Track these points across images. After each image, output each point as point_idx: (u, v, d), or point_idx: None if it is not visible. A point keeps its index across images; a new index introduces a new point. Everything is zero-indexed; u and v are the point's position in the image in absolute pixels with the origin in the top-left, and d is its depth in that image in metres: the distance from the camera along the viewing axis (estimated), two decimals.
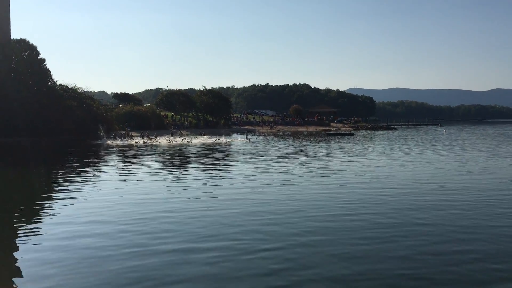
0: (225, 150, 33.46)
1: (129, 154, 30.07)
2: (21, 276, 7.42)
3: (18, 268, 7.77)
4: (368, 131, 79.52)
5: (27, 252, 8.64)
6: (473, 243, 9.20)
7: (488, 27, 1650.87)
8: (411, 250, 8.71)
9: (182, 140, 43.73)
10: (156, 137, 45.30)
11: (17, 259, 8.20)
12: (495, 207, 12.67)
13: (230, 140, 45.39)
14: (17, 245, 9.15)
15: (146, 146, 37.44)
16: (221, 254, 8.33)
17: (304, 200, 13.43)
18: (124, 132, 49.85)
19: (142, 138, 45.11)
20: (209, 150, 33.57)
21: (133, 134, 51.28)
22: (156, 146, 37.67)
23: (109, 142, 41.60)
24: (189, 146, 37.66)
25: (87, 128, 48.84)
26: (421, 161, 25.54)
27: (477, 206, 12.71)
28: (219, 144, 40.25)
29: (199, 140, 44.00)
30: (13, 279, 7.28)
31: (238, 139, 46.18)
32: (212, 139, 45.24)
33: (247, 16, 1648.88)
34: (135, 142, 41.45)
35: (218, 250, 8.54)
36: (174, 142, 41.66)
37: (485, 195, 14.41)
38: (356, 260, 8.11)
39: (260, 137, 52.73)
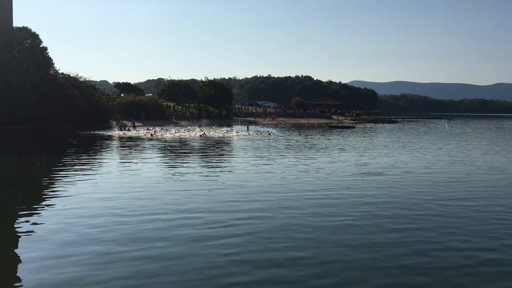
0: (231, 143, 33.26)
1: (137, 146, 29.91)
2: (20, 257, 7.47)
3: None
4: (370, 124, 79.37)
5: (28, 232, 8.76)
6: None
7: (491, 21, 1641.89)
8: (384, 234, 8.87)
9: (196, 133, 41.19)
10: (161, 129, 44.09)
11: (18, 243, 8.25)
12: None
13: (246, 132, 44.11)
14: (19, 228, 9.24)
15: (153, 138, 35.83)
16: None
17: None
18: (130, 123, 49.45)
19: (148, 130, 43.76)
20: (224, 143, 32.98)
21: (137, 124, 50.91)
22: (162, 138, 35.82)
23: (117, 132, 41.24)
24: (207, 139, 35.46)
25: (89, 117, 48.84)
26: (417, 156, 25.46)
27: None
28: (227, 136, 38.98)
29: (213, 133, 42.01)
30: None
31: (240, 132, 44.89)
32: (222, 131, 44.09)
33: (250, 7, 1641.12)
34: (145, 134, 40.08)
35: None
36: (186, 135, 39.08)
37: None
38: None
39: (274, 131, 48.43)
